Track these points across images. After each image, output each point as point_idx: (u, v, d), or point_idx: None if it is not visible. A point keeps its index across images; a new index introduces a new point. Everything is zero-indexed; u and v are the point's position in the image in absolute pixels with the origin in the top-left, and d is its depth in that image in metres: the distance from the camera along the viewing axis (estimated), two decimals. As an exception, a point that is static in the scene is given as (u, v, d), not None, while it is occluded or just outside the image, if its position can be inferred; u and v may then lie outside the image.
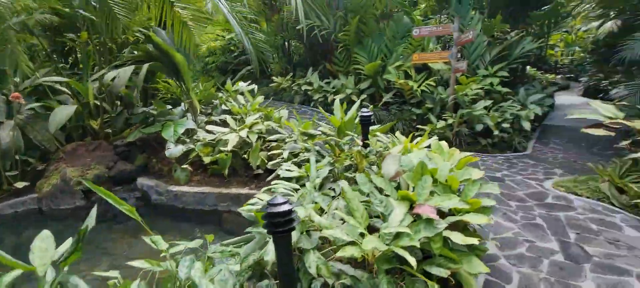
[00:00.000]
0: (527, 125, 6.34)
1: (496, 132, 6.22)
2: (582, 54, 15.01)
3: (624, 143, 4.03)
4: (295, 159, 4.09)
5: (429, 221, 2.04)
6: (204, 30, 5.37)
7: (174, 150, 5.00)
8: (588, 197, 4.02)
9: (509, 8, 8.66)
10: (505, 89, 7.00)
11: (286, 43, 13.77)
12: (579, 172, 4.96)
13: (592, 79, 12.17)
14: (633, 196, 3.61)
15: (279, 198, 1.76)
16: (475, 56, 7.49)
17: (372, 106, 7.84)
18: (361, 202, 2.37)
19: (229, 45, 16.34)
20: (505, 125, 6.29)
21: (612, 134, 4.24)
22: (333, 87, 8.74)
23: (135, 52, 6.07)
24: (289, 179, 3.42)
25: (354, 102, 8.13)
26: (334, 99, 8.31)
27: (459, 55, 6.57)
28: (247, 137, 5.08)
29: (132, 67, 5.11)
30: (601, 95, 11.29)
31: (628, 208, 3.65)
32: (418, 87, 6.94)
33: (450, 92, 6.59)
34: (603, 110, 4.36)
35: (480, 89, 6.83)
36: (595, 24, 10.40)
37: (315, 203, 2.57)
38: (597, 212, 3.63)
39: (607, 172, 4.12)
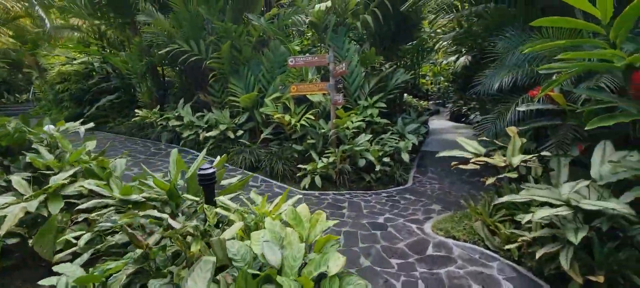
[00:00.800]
0: (406, 157, 6.27)
1: (378, 167, 5.94)
2: (446, 83, 17.27)
3: (490, 180, 3.97)
4: (100, 246, 2.72)
5: None
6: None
7: None
8: (465, 241, 3.78)
9: (383, 41, 9.00)
10: (384, 120, 6.93)
11: (161, 69, 11.90)
12: (454, 207, 4.88)
13: (455, 105, 13.92)
14: (504, 240, 3.43)
15: None
16: (355, 87, 7.32)
17: (250, 143, 6.87)
18: None
19: (86, 70, 13.42)
20: (386, 159, 6.08)
21: (478, 167, 4.23)
22: (206, 122, 7.46)
23: None
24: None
25: (230, 138, 7.03)
26: (206, 137, 7.07)
27: (340, 86, 6.20)
28: (46, 207, 3.43)
29: None
30: (463, 119, 12.94)
31: (501, 252, 3.45)
32: (297, 121, 6.28)
33: (331, 126, 6.12)
34: (468, 146, 4.32)
35: (362, 121, 6.57)
36: (453, 58, 11.88)
37: None
38: (476, 262, 3.33)
39: (478, 210, 3.99)
